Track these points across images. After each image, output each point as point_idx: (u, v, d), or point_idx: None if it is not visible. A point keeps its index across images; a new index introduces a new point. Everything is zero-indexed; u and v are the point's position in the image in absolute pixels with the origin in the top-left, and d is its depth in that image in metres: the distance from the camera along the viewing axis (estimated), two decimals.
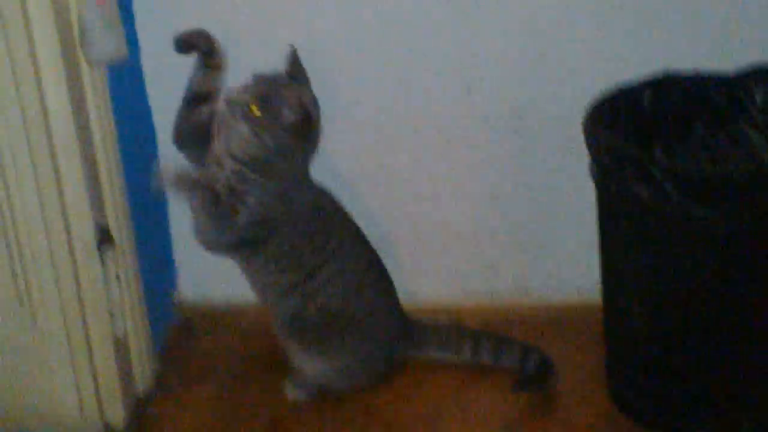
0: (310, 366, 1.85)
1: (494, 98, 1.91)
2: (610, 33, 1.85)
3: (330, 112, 1.90)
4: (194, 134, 1.77)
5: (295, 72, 1.73)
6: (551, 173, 1.97)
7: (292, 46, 1.73)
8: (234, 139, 1.70)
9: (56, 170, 1.64)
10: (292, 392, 1.87)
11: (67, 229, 1.68)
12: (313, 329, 1.81)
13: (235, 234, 1.74)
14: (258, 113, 1.67)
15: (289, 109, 1.67)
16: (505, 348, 1.88)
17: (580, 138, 1.88)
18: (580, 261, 2.02)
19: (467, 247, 2.05)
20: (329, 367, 1.84)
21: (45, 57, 1.56)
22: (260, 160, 1.70)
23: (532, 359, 1.86)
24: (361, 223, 1.98)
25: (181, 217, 2.04)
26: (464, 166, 1.98)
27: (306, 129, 1.70)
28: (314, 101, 1.73)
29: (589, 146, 1.63)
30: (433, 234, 2.04)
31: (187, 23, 1.77)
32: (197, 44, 1.74)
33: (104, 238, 1.73)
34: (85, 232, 1.69)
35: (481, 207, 2.01)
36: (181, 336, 2.08)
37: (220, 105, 1.72)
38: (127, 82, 1.82)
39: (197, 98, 1.76)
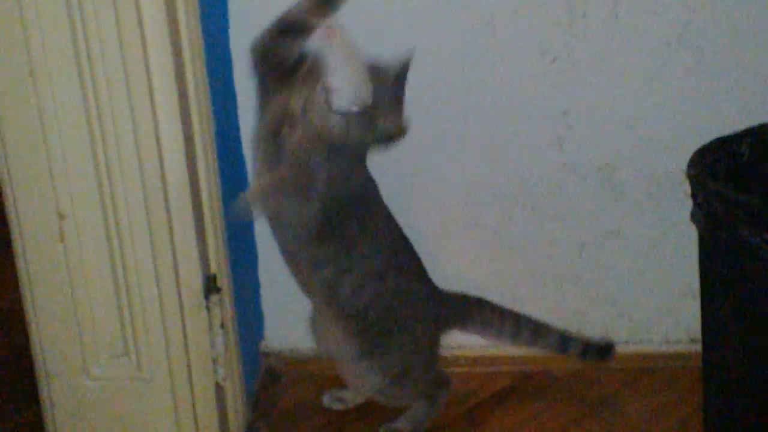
0: (365, 377, 1.83)
1: (584, 151, 1.95)
2: (699, 89, 1.89)
3: (417, 164, 1.95)
4: (274, 62, 1.66)
5: (401, 80, 1.69)
6: (638, 223, 1.99)
7: (412, 51, 1.69)
8: (321, 117, 1.65)
9: (168, 219, 1.67)
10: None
11: (177, 278, 1.70)
12: (356, 318, 1.79)
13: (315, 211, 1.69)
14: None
15: (386, 117, 1.65)
16: (544, 332, 1.93)
17: (670, 188, 1.94)
18: (668, 310, 2.04)
19: (555, 296, 2.06)
20: (387, 375, 1.82)
21: (164, 115, 1.61)
22: (324, 134, 1.65)
23: (573, 346, 1.94)
24: (451, 274, 2.01)
25: (269, 267, 2.08)
26: (553, 216, 2.00)
27: (370, 118, 1.66)
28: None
29: (696, 195, 1.65)
30: (521, 283, 2.05)
31: None
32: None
33: (210, 286, 1.76)
34: (193, 280, 1.71)
35: (570, 256, 2.03)
36: (268, 385, 2.09)
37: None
38: (224, 135, 1.86)
39: (293, 27, 1.63)
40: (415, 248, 1.87)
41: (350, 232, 1.74)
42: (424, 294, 1.87)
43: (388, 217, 1.82)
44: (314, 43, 1.63)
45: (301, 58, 1.65)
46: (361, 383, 1.86)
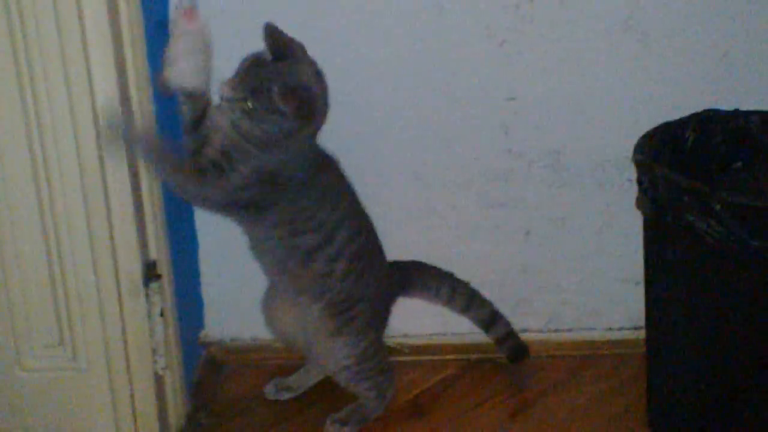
0: (336, 350, 1.81)
1: (531, 137, 1.94)
2: (645, 75, 1.89)
3: (369, 142, 1.93)
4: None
5: (280, 48, 1.63)
6: (585, 210, 1.99)
7: (268, 23, 1.63)
8: (236, 127, 1.64)
9: (107, 204, 1.62)
10: (337, 430, 1.84)
11: (115, 265, 1.66)
12: (339, 301, 1.78)
13: (226, 195, 1.66)
14: (251, 105, 1.61)
15: (280, 97, 1.60)
16: (476, 303, 1.97)
17: (615, 174, 1.95)
18: (612, 297, 2.05)
19: (500, 283, 2.05)
20: (355, 350, 1.81)
21: (102, 94, 1.56)
22: (263, 140, 1.64)
23: (498, 328, 1.97)
24: (393, 257, 1.99)
25: (209, 256, 2.04)
26: (498, 203, 1.99)
27: (304, 110, 1.63)
28: (312, 76, 1.65)
29: (642, 180, 1.65)
30: (465, 269, 2.03)
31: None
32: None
33: (150, 273, 1.71)
34: (132, 267, 1.67)
35: (515, 242, 2.02)
36: (209, 375, 2.05)
37: (219, 100, 1.65)
38: (168, 120, 1.81)
39: (194, 123, 1.68)
40: (374, 227, 1.87)
41: (329, 218, 1.73)
42: (383, 264, 1.88)
43: (350, 190, 1.81)
44: (174, 26, 1.63)
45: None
46: (331, 360, 1.83)
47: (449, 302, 1.98)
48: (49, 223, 1.62)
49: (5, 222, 1.61)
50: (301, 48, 1.66)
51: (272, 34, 1.63)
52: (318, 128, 1.70)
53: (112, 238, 1.64)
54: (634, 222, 1.82)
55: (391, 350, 2.02)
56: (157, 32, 1.70)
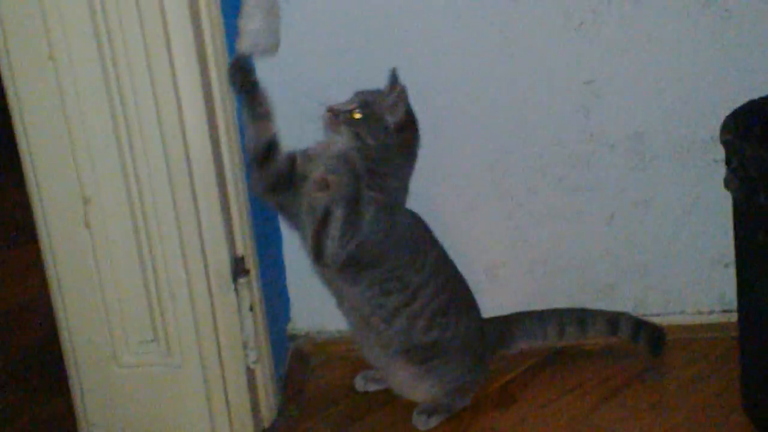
0: (421, 391, 1.85)
1: (612, 120, 1.91)
2: (728, 53, 1.85)
3: (446, 131, 1.93)
4: (278, 184, 1.74)
5: (393, 83, 1.75)
6: (670, 192, 1.96)
7: (394, 68, 1.75)
8: (336, 146, 1.71)
9: (194, 202, 1.65)
10: (424, 422, 1.85)
11: (204, 261, 1.68)
12: (422, 349, 1.81)
13: (353, 244, 1.72)
14: (359, 115, 1.70)
15: (390, 112, 1.70)
16: (590, 320, 1.94)
17: (700, 155, 1.91)
18: (700, 280, 2.01)
19: (584, 269, 2.03)
20: (439, 388, 1.84)
21: (187, 98, 1.60)
22: (378, 151, 1.71)
23: (624, 324, 1.94)
24: (474, 246, 1.99)
25: (294, 249, 2.06)
26: (581, 187, 1.97)
27: (409, 132, 1.74)
28: (413, 111, 1.75)
29: (730, 159, 1.62)
30: (549, 255, 2.03)
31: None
32: (237, 81, 1.69)
33: (238, 268, 1.73)
34: (221, 263, 1.69)
35: (598, 227, 2.00)
36: (297, 367, 2.07)
37: (322, 117, 1.72)
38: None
39: (265, 150, 1.72)
40: (465, 280, 1.89)
41: (415, 278, 1.78)
42: (472, 317, 1.89)
43: (442, 252, 1.86)
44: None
45: (291, 160, 1.74)
46: (416, 395, 1.87)
47: (562, 336, 1.96)
48: (140, 223, 1.66)
49: (98, 223, 1.65)
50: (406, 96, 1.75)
51: (394, 77, 1.74)
52: (411, 161, 1.77)
53: (200, 235, 1.67)
54: (722, 203, 1.78)
55: None
56: None
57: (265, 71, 1.72)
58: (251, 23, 1.65)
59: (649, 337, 1.96)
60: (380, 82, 1.76)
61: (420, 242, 1.82)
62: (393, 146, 1.73)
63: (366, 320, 1.82)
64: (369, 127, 1.70)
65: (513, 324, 1.97)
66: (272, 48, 1.70)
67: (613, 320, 1.96)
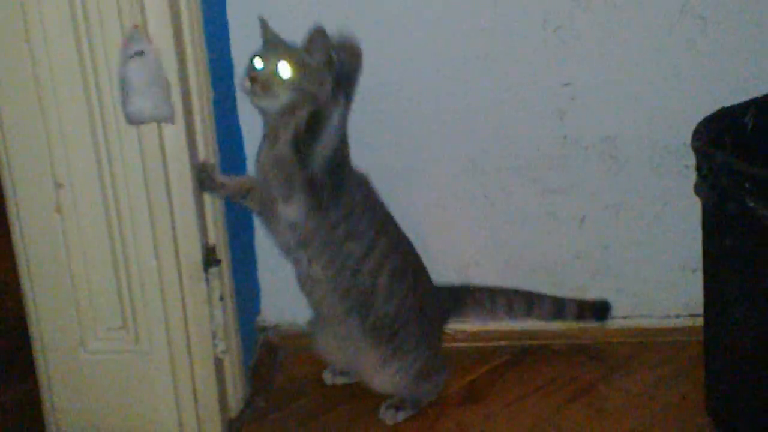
0: (388, 375, 1.84)
1: (586, 123, 1.93)
2: (703, 60, 1.87)
3: (423, 130, 1.94)
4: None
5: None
6: (641, 197, 1.98)
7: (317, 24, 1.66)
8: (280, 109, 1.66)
9: (168, 191, 1.65)
10: (392, 416, 1.86)
11: (176, 249, 1.68)
12: (386, 326, 1.81)
13: (311, 170, 1.68)
14: (286, 70, 1.62)
15: (312, 54, 1.64)
16: (536, 301, 1.97)
17: (672, 160, 1.93)
18: (669, 284, 2.03)
19: (555, 270, 2.05)
20: (408, 374, 1.84)
21: None
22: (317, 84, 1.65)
23: (568, 309, 1.97)
24: (447, 245, 2.00)
25: (266, 241, 2.06)
26: (554, 189, 1.98)
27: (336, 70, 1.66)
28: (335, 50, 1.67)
29: (701, 166, 1.63)
30: (521, 256, 2.04)
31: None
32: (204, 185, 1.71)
33: (210, 258, 1.74)
34: (193, 251, 1.69)
35: (570, 229, 2.01)
36: (266, 359, 2.07)
37: (245, 88, 1.65)
38: (224, 108, 1.84)
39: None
40: (414, 248, 1.89)
41: (369, 229, 1.76)
42: (431, 291, 1.90)
43: (390, 216, 1.84)
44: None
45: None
46: (384, 387, 1.87)
47: (509, 312, 1.98)
48: (112, 209, 1.66)
49: (69, 208, 1.65)
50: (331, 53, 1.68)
51: (317, 35, 1.65)
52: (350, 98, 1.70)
53: (173, 223, 1.66)
54: (692, 208, 1.80)
55: (446, 337, 2.03)
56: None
57: None
58: (136, 94, 1.53)
59: (593, 309, 2.00)
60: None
61: (369, 198, 1.79)
62: (331, 88, 1.65)
63: (333, 283, 1.78)
64: (302, 75, 1.63)
65: (465, 294, 1.97)
66: (164, 118, 1.57)
67: (559, 304, 1.98)
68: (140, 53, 1.52)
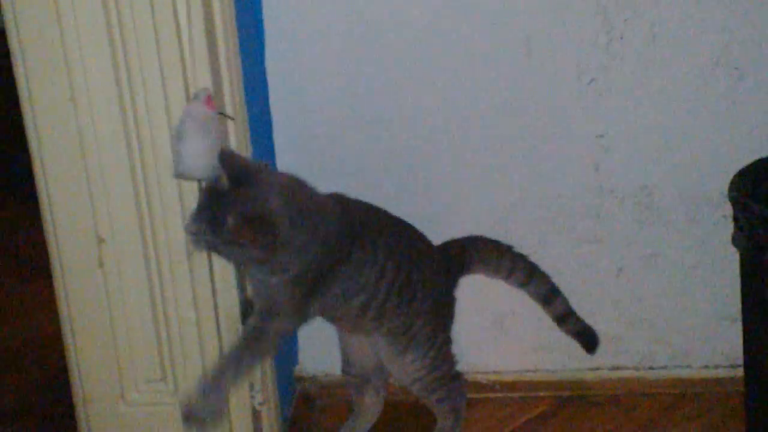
0: (407, 368, 1.82)
1: (621, 173, 1.93)
2: (739, 110, 1.87)
3: (459, 181, 1.96)
4: None
5: (238, 173, 1.53)
6: (678, 247, 1.97)
7: (223, 149, 1.55)
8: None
9: None
10: None
11: (214, 302, 1.70)
12: (400, 327, 1.79)
13: (291, 321, 1.69)
14: (211, 240, 1.54)
15: (235, 230, 1.52)
16: (537, 276, 1.91)
17: (709, 211, 1.93)
18: (707, 335, 2.02)
19: (592, 320, 2.04)
20: (424, 362, 1.82)
21: None
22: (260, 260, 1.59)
23: (558, 302, 1.90)
24: (483, 296, 2.00)
25: None
26: (590, 239, 1.98)
27: (264, 239, 1.54)
28: (274, 198, 1.55)
29: (738, 217, 1.63)
30: None
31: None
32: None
33: (247, 310, 1.75)
34: (231, 304, 1.71)
35: (607, 279, 2.01)
36: (303, 410, 2.08)
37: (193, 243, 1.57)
38: (260, 153, 1.87)
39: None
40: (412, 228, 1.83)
41: (365, 272, 1.71)
42: (434, 269, 1.83)
43: (389, 222, 1.79)
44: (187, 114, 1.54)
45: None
46: (404, 376, 1.84)
47: (509, 276, 1.92)
48: (153, 263, 1.68)
49: (111, 263, 1.68)
50: (263, 168, 1.59)
51: (227, 159, 1.53)
52: (301, 240, 1.59)
53: (211, 276, 1.68)
54: (730, 258, 1.80)
55: (483, 387, 2.03)
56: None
57: None
58: (188, 145, 1.52)
59: (578, 331, 1.92)
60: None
61: (366, 240, 1.70)
62: (255, 255, 1.56)
63: (343, 321, 1.79)
64: (226, 249, 1.55)
65: (471, 249, 1.90)
66: (212, 178, 1.54)
67: (553, 294, 1.91)
68: (198, 116, 1.53)
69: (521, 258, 1.92)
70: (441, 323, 1.86)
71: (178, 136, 1.53)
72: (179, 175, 1.57)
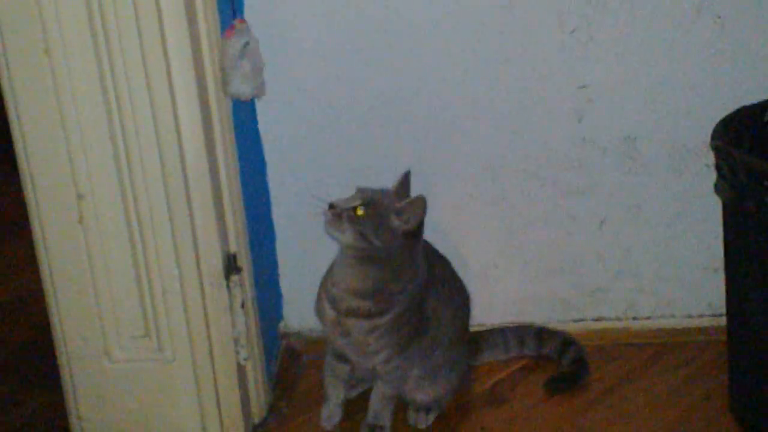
0: (427, 392, 1.86)
1: (604, 124, 1.92)
2: (721, 59, 1.86)
3: (440, 133, 1.95)
4: None
5: (403, 193, 1.75)
6: (661, 197, 1.97)
7: (408, 171, 1.77)
8: (349, 254, 1.71)
9: (188, 198, 1.65)
10: (423, 419, 1.87)
11: (197, 258, 1.69)
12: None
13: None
14: (362, 212, 1.67)
15: (400, 215, 1.69)
16: (546, 339, 1.99)
17: (692, 160, 1.92)
18: (691, 285, 2.03)
19: (575, 272, 2.04)
20: (443, 388, 1.86)
21: (182, 95, 1.60)
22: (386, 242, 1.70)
23: (569, 353, 1.95)
24: (467, 248, 1.99)
25: (287, 247, 2.07)
26: (573, 191, 1.98)
27: (415, 238, 1.72)
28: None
29: (721, 165, 1.63)
30: (541, 258, 2.04)
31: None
32: None
33: (231, 266, 1.75)
34: (214, 260, 1.70)
35: (590, 230, 2.01)
36: (288, 366, 2.08)
37: (323, 215, 1.70)
38: (243, 115, 1.85)
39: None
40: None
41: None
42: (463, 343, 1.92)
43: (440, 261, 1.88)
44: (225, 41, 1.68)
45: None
46: (423, 394, 1.87)
47: (521, 347, 2.00)
48: (133, 219, 1.67)
49: (91, 219, 1.66)
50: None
51: (406, 179, 1.76)
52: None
53: (193, 231, 1.67)
54: (713, 208, 1.80)
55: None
56: None
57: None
58: (243, 77, 1.66)
59: (575, 372, 1.96)
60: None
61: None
62: (396, 248, 1.70)
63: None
64: (374, 226, 1.68)
65: (476, 337, 1.99)
66: (247, 95, 1.70)
67: (565, 343, 1.98)
68: (246, 44, 1.66)
69: (525, 327, 2.01)
70: (460, 349, 1.90)
71: (231, 62, 1.65)
72: (233, 95, 1.69)
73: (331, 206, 1.69)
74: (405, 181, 1.77)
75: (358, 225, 1.67)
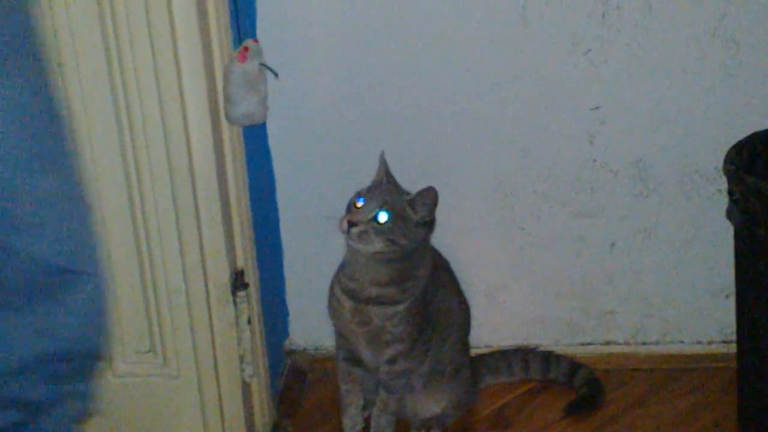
0: (430, 406, 1.86)
1: (616, 146, 1.91)
2: (735, 84, 1.85)
3: (452, 153, 1.94)
4: None
5: (389, 177, 1.76)
6: (672, 221, 1.96)
7: (382, 152, 1.76)
8: (372, 258, 1.71)
9: (196, 214, 1.65)
10: None
11: (204, 273, 1.69)
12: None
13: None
14: (385, 218, 1.67)
15: (414, 208, 1.70)
16: (553, 363, 1.97)
17: (703, 184, 1.91)
18: (701, 310, 2.01)
19: (585, 295, 2.03)
20: (446, 402, 1.86)
21: (193, 111, 1.60)
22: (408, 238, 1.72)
23: (581, 375, 1.94)
24: (475, 268, 1.99)
25: (294, 264, 2.06)
26: (584, 213, 1.97)
27: (428, 227, 1.74)
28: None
29: (733, 191, 1.62)
30: (550, 280, 2.02)
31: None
32: None
33: (238, 281, 1.74)
34: (221, 275, 1.70)
35: (600, 253, 1.99)
36: (293, 383, 2.07)
37: (342, 231, 1.69)
38: (253, 132, 1.84)
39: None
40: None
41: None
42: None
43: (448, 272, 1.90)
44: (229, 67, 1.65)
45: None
46: (426, 409, 1.87)
47: (526, 371, 1.99)
48: (141, 233, 1.66)
49: (100, 230, 1.65)
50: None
51: (384, 161, 1.76)
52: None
53: (201, 247, 1.67)
54: (724, 233, 1.78)
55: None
56: None
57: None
58: (238, 92, 1.63)
59: (592, 393, 1.94)
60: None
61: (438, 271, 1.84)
62: (418, 239, 1.72)
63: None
64: (399, 229, 1.68)
65: (479, 363, 1.98)
66: (260, 118, 1.68)
67: (574, 368, 1.98)
68: (261, 65, 1.66)
69: (530, 350, 2.00)
70: (465, 366, 1.92)
71: (233, 93, 1.63)
72: (235, 123, 1.67)
73: (353, 224, 1.67)
74: (383, 163, 1.76)
75: (386, 233, 1.67)
